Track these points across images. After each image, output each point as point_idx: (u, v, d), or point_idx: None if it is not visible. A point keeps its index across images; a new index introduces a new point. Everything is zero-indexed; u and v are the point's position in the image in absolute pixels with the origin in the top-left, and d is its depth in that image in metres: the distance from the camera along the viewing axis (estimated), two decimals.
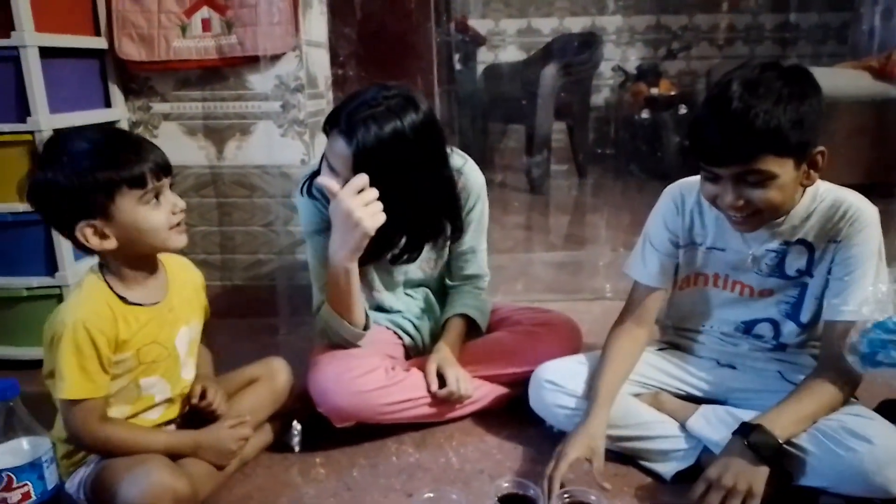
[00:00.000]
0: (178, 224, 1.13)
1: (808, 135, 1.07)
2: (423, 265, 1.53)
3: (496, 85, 4.30)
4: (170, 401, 1.21)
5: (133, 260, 1.13)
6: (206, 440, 1.18)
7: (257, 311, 2.03)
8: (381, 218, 1.23)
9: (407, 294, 1.57)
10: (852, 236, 1.16)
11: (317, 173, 1.35)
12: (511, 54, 5.21)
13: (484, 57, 5.05)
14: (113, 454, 1.10)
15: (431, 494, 1.07)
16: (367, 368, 1.35)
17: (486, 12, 5.21)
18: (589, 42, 4.15)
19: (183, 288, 1.24)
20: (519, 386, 1.44)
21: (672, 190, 1.34)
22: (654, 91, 4.27)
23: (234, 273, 2.07)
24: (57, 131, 1.10)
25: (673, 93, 4.28)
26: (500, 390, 1.48)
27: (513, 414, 1.46)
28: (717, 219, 1.26)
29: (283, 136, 1.97)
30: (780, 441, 1.08)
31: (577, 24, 5.16)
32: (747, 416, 1.15)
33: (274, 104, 1.95)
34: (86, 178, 1.04)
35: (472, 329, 1.54)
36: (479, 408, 1.47)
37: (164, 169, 1.11)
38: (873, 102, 3.15)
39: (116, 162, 1.06)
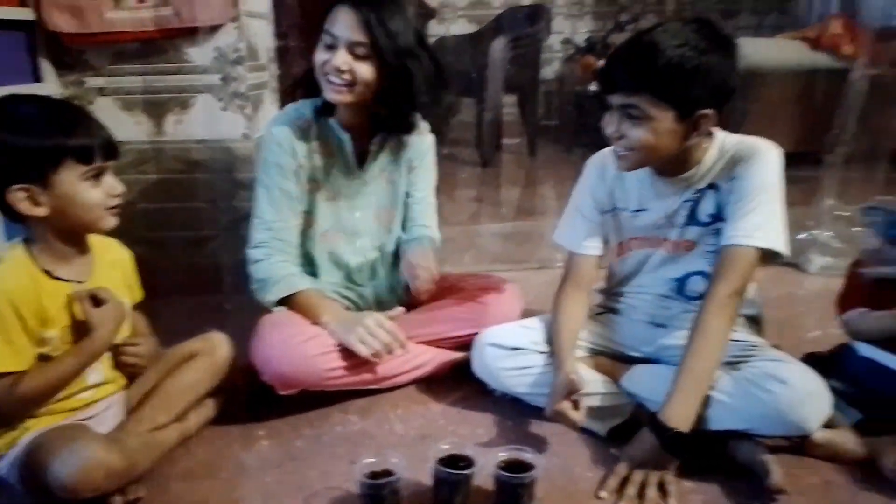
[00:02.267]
0: (113, 207, 1.14)
1: (695, 91, 1.12)
2: (379, 214, 1.56)
3: (446, 57, 4.27)
4: (103, 381, 1.20)
5: (61, 233, 1.13)
6: (96, 321, 1.12)
7: (201, 289, 2.00)
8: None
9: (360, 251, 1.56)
10: (747, 169, 1.21)
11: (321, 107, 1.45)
12: (462, 27, 5.18)
13: (435, 30, 5.01)
14: (34, 406, 1.09)
15: (373, 459, 1.09)
16: (311, 334, 1.36)
17: None
18: (537, 14, 4.14)
19: (111, 269, 1.23)
20: (464, 350, 1.48)
21: (594, 159, 1.40)
22: (603, 64, 4.30)
23: (176, 251, 2.04)
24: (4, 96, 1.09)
25: None
26: (444, 355, 1.51)
27: (458, 381, 1.49)
28: (638, 182, 1.31)
29: (223, 109, 1.93)
30: (688, 429, 1.12)
31: None
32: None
33: (213, 77, 1.91)
34: (34, 143, 1.03)
35: None
36: (424, 373, 1.50)
37: (111, 151, 1.12)
38: (808, 72, 3.25)
39: (68, 133, 1.06)
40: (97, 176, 1.11)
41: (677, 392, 1.14)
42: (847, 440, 1.20)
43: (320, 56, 1.37)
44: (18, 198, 1.05)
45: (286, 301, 1.43)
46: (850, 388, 1.27)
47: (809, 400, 1.12)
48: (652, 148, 1.17)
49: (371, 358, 1.35)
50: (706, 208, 1.27)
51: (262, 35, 2.05)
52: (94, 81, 1.93)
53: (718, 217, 1.26)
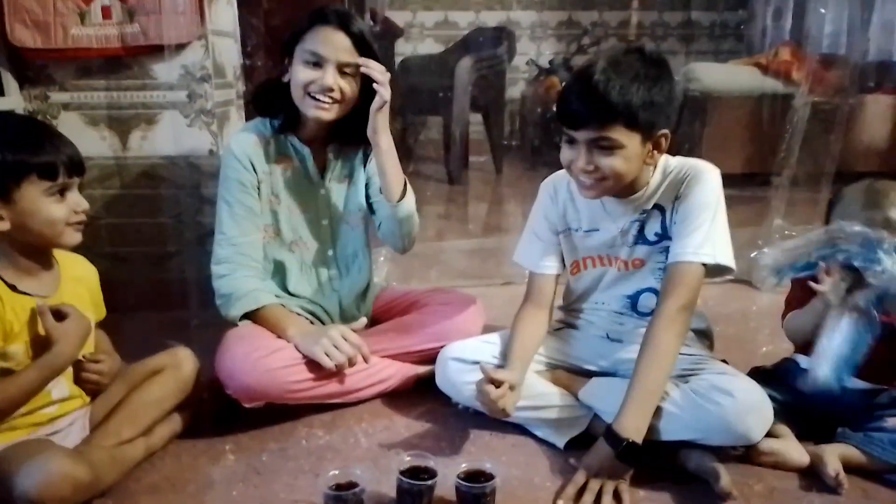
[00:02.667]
0: (78, 223, 1.15)
1: (656, 115, 1.20)
2: (348, 218, 1.60)
3: (414, 77, 4.34)
4: (67, 396, 1.20)
5: (24, 248, 1.13)
6: (58, 336, 1.11)
7: (167, 305, 2.00)
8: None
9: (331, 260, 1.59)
10: (690, 189, 1.28)
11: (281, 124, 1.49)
12: (429, 47, 5.27)
13: (402, 48, 5.09)
14: None
15: (336, 472, 1.12)
16: (275, 348, 1.38)
17: (404, 4, 5.25)
18: (503, 36, 4.24)
19: (77, 284, 1.24)
20: (427, 364, 1.51)
21: (546, 184, 1.46)
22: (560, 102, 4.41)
23: (142, 266, 2.03)
24: None
25: None
26: (408, 369, 1.54)
27: (422, 395, 1.52)
28: (588, 203, 1.37)
29: (189, 126, 1.94)
30: (642, 439, 1.17)
31: (492, 18, 5.28)
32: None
33: (180, 94, 1.93)
34: None
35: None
36: (389, 387, 1.53)
37: (77, 167, 1.14)
38: (759, 97, 3.39)
39: (33, 149, 1.08)
40: (62, 192, 1.12)
41: (630, 404, 1.20)
42: (790, 449, 1.26)
43: (304, 75, 1.41)
44: None
45: (251, 316, 1.45)
46: (794, 399, 1.34)
47: (753, 411, 1.19)
48: (623, 174, 1.23)
49: (334, 370, 1.37)
50: (653, 227, 1.34)
51: (229, 53, 2.08)
52: (58, 96, 1.93)
53: (665, 236, 1.33)
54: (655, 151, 1.25)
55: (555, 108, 1.29)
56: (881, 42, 3.97)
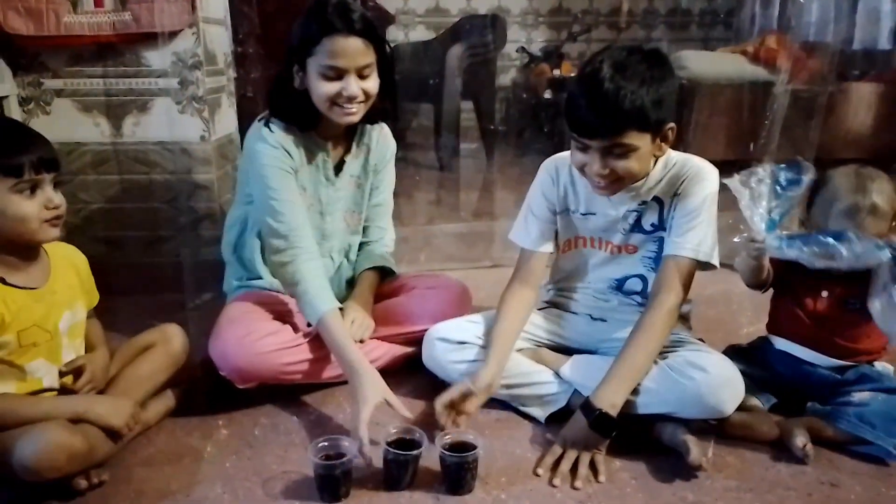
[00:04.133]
0: (53, 219, 1.15)
1: (665, 112, 1.23)
2: (346, 217, 1.64)
3: (405, 64, 4.35)
4: (58, 386, 1.23)
5: (6, 244, 1.15)
6: (99, 399, 1.19)
7: (161, 288, 2.03)
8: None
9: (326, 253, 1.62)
10: (690, 188, 1.33)
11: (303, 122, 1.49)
12: (420, 34, 5.28)
13: (394, 35, 5.10)
14: None
15: (325, 443, 1.16)
16: (268, 331, 1.42)
17: None
18: (493, 23, 4.26)
19: (66, 273, 1.26)
20: (415, 345, 1.56)
21: (548, 164, 1.49)
22: (557, 72, 4.45)
23: (135, 250, 2.07)
24: None
25: (574, 74, 4.47)
26: (396, 350, 1.59)
27: (409, 372, 1.57)
28: (587, 187, 1.40)
29: (181, 112, 1.97)
30: (616, 412, 1.22)
31: (483, 5, 5.28)
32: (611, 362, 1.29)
33: (172, 81, 1.95)
34: None
35: (384, 280, 1.69)
36: (378, 367, 1.54)
37: (47, 164, 1.14)
38: (745, 84, 3.43)
39: None
40: (33, 189, 1.13)
41: (611, 379, 1.25)
42: (761, 422, 1.32)
43: (327, 89, 1.40)
44: None
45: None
46: (767, 375, 1.40)
47: (725, 385, 1.24)
48: (637, 172, 1.28)
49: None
50: (650, 219, 1.38)
51: (220, 41, 2.10)
52: (51, 83, 1.95)
53: (660, 227, 1.38)
54: (664, 144, 1.28)
55: (564, 117, 1.27)
56: (866, 30, 4.00)
